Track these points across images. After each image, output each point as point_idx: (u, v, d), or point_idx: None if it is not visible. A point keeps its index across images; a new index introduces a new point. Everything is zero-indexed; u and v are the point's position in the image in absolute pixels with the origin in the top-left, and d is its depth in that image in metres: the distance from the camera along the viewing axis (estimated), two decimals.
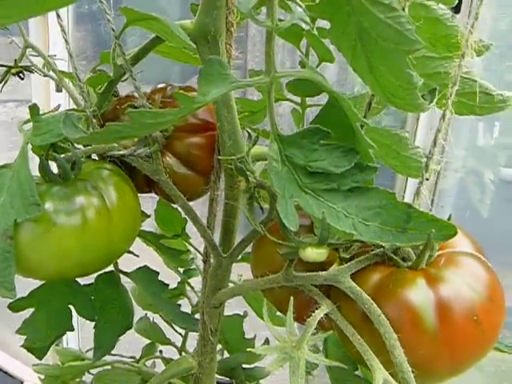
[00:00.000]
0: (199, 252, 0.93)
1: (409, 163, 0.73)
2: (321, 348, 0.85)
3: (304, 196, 0.50)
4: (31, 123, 0.63)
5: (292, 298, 0.53)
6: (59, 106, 0.66)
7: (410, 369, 0.47)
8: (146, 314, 1.07)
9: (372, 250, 0.56)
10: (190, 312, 0.96)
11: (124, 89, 0.74)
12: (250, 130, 0.62)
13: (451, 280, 0.52)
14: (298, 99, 0.78)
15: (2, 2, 0.32)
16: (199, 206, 0.77)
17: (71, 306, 0.80)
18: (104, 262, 0.68)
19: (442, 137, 0.55)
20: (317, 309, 0.53)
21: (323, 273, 0.54)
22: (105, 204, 0.63)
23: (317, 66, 0.72)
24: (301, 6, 0.61)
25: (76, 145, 0.66)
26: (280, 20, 0.48)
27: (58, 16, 0.76)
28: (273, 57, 0.45)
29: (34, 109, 0.59)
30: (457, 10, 0.77)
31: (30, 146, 0.64)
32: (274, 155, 0.49)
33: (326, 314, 0.53)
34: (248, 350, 0.55)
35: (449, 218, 0.51)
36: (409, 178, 1.46)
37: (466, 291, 0.51)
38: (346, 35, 0.48)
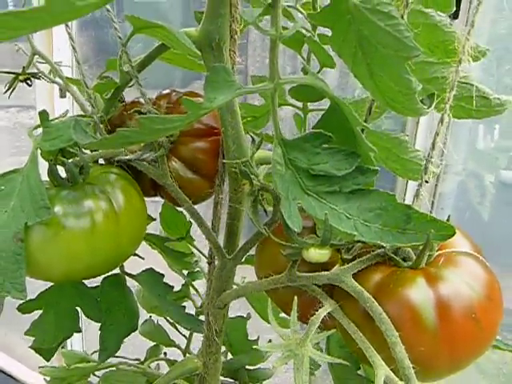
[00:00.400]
0: (203, 254, 0.94)
1: (409, 166, 0.74)
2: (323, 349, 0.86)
3: (307, 198, 0.52)
4: (40, 129, 0.65)
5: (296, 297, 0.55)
6: (67, 111, 0.68)
7: (410, 365, 0.49)
8: (150, 317, 1.08)
9: (373, 251, 0.58)
10: (194, 314, 0.98)
11: (129, 94, 0.75)
12: (253, 135, 0.63)
13: (450, 279, 0.53)
14: (300, 104, 0.79)
15: (19, 15, 0.33)
16: (203, 208, 0.78)
17: (78, 308, 0.81)
18: (111, 264, 0.70)
19: (440, 140, 0.56)
20: (320, 308, 0.55)
21: (326, 273, 0.55)
22: (112, 207, 0.64)
23: (318, 72, 0.74)
24: (303, 14, 0.63)
25: (83, 150, 0.68)
26: (282, 27, 0.50)
27: (66, 24, 0.78)
28: (277, 64, 0.47)
29: (43, 115, 0.61)
30: (455, 15, 0.79)
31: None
32: (278, 159, 0.50)
33: (328, 313, 0.55)
34: (254, 347, 0.56)
35: (448, 219, 0.53)
36: (409, 181, 1.47)
37: (464, 290, 0.53)
38: (346, 42, 0.49)
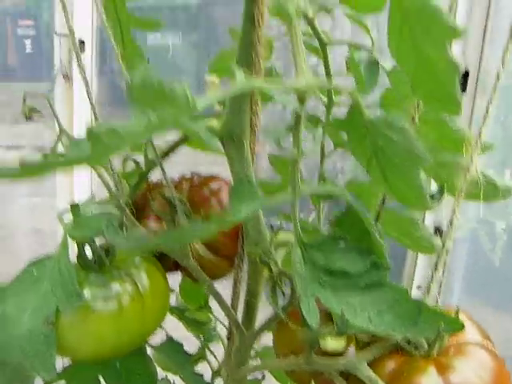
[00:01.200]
0: (223, 324, 0.96)
1: (421, 243, 0.78)
2: None
3: (324, 292, 0.55)
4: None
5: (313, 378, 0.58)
6: (93, 196, 0.71)
7: None
8: (166, 376, 1.10)
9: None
10: (210, 374, 1.00)
11: None
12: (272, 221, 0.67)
13: (460, 368, 0.56)
14: None
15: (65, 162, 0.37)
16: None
17: (100, 377, 0.84)
18: (137, 343, 0.72)
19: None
20: None
21: (342, 361, 0.58)
22: (138, 290, 0.67)
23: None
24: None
25: None
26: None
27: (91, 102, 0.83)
28: (297, 179, 0.50)
29: (75, 207, 0.64)
30: (463, 89, 0.82)
31: None
32: (297, 259, 0.54)
33: None
34: None
35: (457, 312, 0.56)
36: None
37: (473, 379, 0.56)
38: (361, 149, 0.53)
